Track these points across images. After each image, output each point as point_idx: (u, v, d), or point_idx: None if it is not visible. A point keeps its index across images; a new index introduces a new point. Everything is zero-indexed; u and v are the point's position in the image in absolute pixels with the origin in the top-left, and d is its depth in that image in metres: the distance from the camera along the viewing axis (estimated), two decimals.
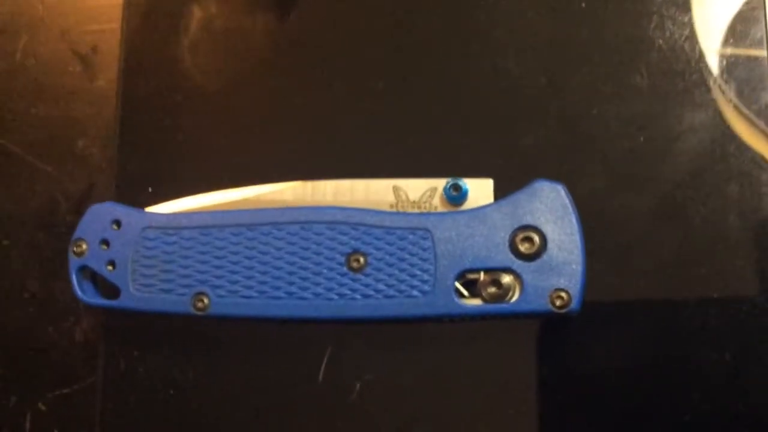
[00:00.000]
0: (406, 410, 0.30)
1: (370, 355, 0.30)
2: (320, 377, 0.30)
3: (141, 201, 0.31)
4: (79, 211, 0.33)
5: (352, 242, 0.28)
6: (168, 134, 0.33)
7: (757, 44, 0.30)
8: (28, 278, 0.34)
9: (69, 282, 0.30)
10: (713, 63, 0.30)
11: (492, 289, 0.28)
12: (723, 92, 0.30)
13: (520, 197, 0.28)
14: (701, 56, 0.30)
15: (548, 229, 0.27)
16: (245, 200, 0.30)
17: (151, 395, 0.31)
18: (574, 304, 0.27)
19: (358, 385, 0.30)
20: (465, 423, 0.29)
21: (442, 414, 0.29)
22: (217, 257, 0.29)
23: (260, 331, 0.31)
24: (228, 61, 0.34)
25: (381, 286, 0.28)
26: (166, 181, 0.32)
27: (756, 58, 0.30)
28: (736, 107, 0.30)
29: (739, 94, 0.30)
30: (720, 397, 0.28)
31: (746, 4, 0.31)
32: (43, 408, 0.32)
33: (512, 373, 0.29)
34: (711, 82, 0.30)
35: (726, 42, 0.30)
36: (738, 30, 0.30)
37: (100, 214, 0.30)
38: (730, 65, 0.30)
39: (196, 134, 0.33)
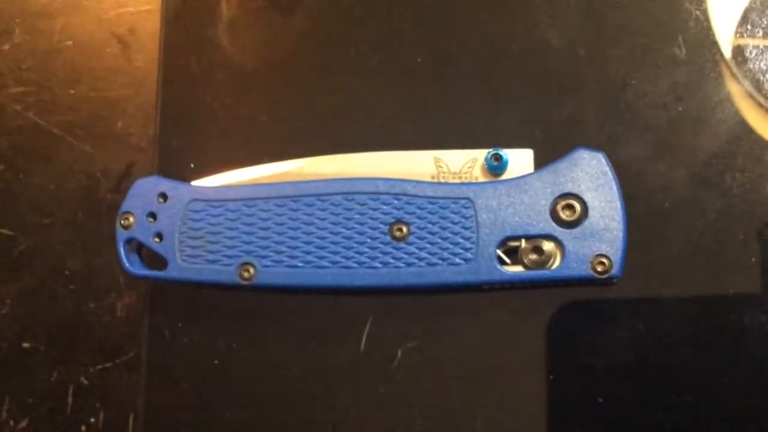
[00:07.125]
0: (446, 379, 0.30)
1: (411, 324, 0.30)
2: (362, 346, 0.31)
3: (182, 178, 0.31)
4: (119, 190, 0.34)
5: (395, 212, 0.29)
6: (208, 112, 0.34)
7: None
8: (69, 256, 0.34)
9: (110, 258, 0.31)
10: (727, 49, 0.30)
11: (533, 256, 0.28)
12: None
13: (561, 166, 0.28)
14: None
15: (589, 197, 0.28)
16: (288, 173, 0.31)
17: (195, 366, 0.32)
18: (616, 270, 0.27)
19: (399, 354, 0.30)
20: (506, 390, 0.30)
21: (482, 381, 0.30)
22: (263, 228, 0.29)
23: (302, 301, 0.31)
24: (267, 37, 0.34)
25: (424, 255, 0.28)
26: (206, 159, 0.33)
27: None
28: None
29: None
30: (762, 366, 0.29)
31: None
32: (85, 382, 0.33)
33: (552, 341, 0.30)
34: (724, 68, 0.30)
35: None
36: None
37: (147, 188, 0.30)
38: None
39: (236, 111, 0.34)
